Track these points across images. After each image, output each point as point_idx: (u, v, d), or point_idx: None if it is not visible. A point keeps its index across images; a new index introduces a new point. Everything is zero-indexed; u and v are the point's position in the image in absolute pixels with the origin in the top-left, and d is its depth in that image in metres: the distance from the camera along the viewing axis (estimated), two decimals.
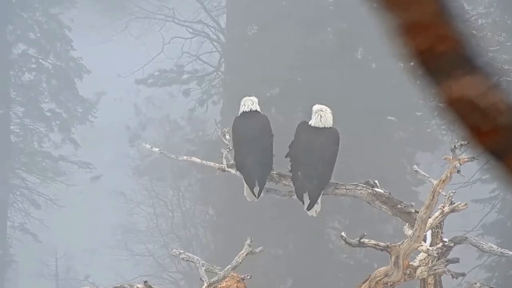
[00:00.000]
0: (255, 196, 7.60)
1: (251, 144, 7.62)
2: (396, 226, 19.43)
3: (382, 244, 6.26)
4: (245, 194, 7.74)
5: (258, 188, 7.59)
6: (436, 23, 1.53)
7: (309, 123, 7.56)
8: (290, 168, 7.51)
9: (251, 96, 7.98)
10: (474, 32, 1.58)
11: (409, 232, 6.28)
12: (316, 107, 7.62)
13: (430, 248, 6.23)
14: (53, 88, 27.55)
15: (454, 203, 6.61)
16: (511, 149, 1.60)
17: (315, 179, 7.33)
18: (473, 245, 6.80)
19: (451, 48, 1.54)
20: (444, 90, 1.57)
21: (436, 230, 6.72)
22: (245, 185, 7.68)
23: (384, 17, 1.54)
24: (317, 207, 7.44)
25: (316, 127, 7.50)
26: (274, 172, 7.60)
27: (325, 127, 7.50)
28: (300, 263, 22.33)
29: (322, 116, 7.52)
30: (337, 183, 7.43)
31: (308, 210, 7.46)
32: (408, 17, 1.53)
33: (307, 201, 7.42)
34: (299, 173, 7.38)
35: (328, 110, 7.57)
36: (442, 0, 1.53)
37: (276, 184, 7.65)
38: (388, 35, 1.56)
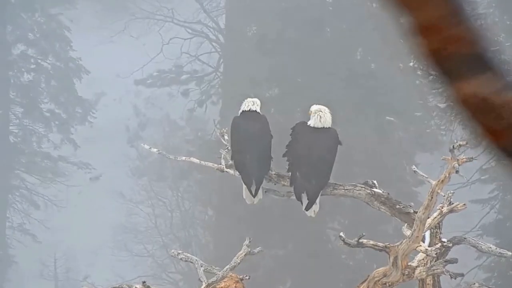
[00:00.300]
0: (252, 194, 7.59)
1: (249, 143, 7.62)
2: (396, 227, 19.42)
3: (380, 244, 6.26)
4: (244, 197, 7.73)
5: (255, 187, 7.58)
6: (449, 23, 1.54)
7: (308, 124, 7.56)
8: (288, 168, 7.52)
9: (253, 97, 7.99)
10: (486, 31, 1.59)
11: (407, 232, 6.28)
12: (314, 107, 7.61)
13: (429, 248, 6.23)
14: (53, 88, 27.54)
15: (452, 204, 6.62)
16: None
17: (314, 179, 7.32)
18: (471, 246, 6.79)
19: (465, 47, 1.55)
20: (457, 89, 1.57)
21: (435, 231, 6.72)
22: (244, 186, 7.67)
23: (397, 18, 1.55)
24: (315, 207, 7.43)
25: (315, 127, 7.50)
26: (273, 173, 7.60)
27: (324, 127, 7.51)
28: (300, 264, 22.33)
29: (321, 116, 7.52)
30: (335, 184, 7.43)
31: (307, 211, 7.46)
32: (422, 17, 1.54)
33: (305, 201, 7.42)
34: (298, 173, 7.38)
35: (327, 110, 7.57)
36: (455, 1, 1.54)
37: (275, 184, 7.64)
38: (402, 35, 1.56)
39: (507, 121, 1.57)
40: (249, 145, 7.61)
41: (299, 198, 7.39)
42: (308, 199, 7.36)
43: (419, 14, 1.53)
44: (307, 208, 7.40)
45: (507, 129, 1.58)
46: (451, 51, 1.55)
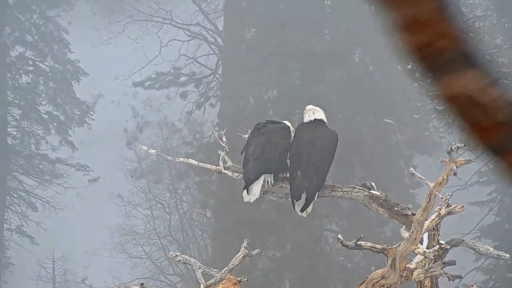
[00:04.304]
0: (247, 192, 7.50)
1: (258, 136, 7.64)
2: (394, 229, 19.44)
3: (378, 246, 6.25)
4: (242, 194, 7.64)
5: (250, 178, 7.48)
6: (436, 20, 1.53)
7: (304, 122, 7.64)
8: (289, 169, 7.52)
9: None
10: (472, 33, 1.59)
11: (405, 234, 6.27)
12: (308, 107, 7.76)
13: (427, 250, 6.23)
14: (51, 90, 27.54)
15: (450, 206, 6.62)
16: (510, 145, 1.59)
17: (315, 179, 7.32)
18: (469, 248, 6.79)
19: (451, 44, 1.55)
20: (443, 86, 1.57)
21: (433, 233, 6.72)
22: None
23: (384, 14, 1.54)
24: (308, 208, 7.43)
25: (314, 127, 7.55)
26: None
27: (321, 119, 7.58)
28: (298, 266, 22.32)
29: (315, 112, 7.65)
30: (333, 185, 7.42)
31: (302, 212, 7.42)
32: (408, 14, 1.53)
33: (302, 201, 7.38)
34: (298, 172, 7.36)
35: (319, 109, 7.71)
36: None
37: (273, 186, 7.62)
38: (388, 31, 1.56)
39: (494, 118, 1.57)
40: (257, 137, 7.64)
41: (298, 198, 7.35)
42: (306, 198, 7.35)
43: (406, 9, 1.53)
44: (303, 209, 7.38)
45: (493, 127, 1.58)
46: (438, 47, 1.55)
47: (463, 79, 1.56)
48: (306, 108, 7.77)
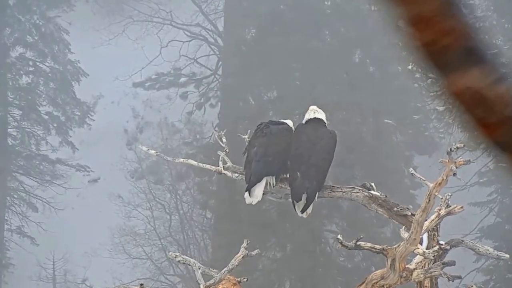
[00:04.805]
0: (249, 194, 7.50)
1: (261, 138, 7.62)
2: (394, 229, 19.44)
3: (378, 247, 6.25)
4: (244, 196, 7.63)
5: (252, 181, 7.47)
6: (442, 16, 1.54)
7: (304, 121, 7.65)
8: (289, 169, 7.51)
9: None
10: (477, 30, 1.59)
11: (405, 235, 6.27)
12: (311, 107, 7.78)
13: (427, 250, 6.23)
14: (51, 91, 27.55)
15: (450, 206, 6.62)
16: None
17: (315, 179, 7.31)
18: (469, 248, 6.79)
19: (458, 40, 1.55)
20: (451, 82, 1.57)
21: (433, 233, 6.72)
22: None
23: (388, 12, 1.54)
24: (309, 208, 7.43)
25: (314, 127, 7.56)
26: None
27: (321, 118, 7.59)
28: (298, 266, 22.32)
29: (315, 112, 7.67)
30: (333, 186, 7.42)
31: (303, 212, 7.42)
32: (414, 10, 1.54)
33: (303, 202, 7.38)
34: (298, 173, 7.36)
35: (321, 111, 7.71)
36: None
37: (273, 187, 7.61)
38: (393, 30, 1.56)
39: (500, 114, 1.57)
40: (259, 138, 7.63)
41: (298, 199, 7.34)
42: (307, 199, 7.34)
43: (411, 6, 1.53)
44: (304, 210, 7.38)
45: (500, 123, 1.58)
46: (444, 44, 1.55)
47: (470, 76, 1.56)
48: (309, 108, 7.80)
